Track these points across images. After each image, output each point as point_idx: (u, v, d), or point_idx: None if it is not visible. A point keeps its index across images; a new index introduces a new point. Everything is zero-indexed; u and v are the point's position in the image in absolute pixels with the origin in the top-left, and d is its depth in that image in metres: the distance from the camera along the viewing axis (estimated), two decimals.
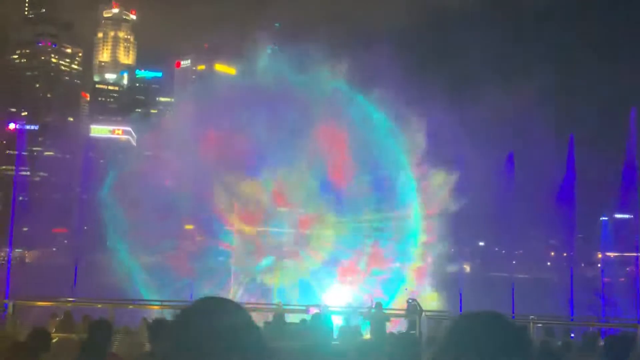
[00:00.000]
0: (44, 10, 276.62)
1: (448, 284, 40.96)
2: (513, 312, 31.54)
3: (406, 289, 39.19)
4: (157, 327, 7.84)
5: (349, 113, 43.80)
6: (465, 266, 58.32)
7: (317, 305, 22.66)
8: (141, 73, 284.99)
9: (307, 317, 21.74)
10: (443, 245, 42.73)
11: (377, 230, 42.90)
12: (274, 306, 28.31)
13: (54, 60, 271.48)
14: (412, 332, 22.12)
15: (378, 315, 24.78)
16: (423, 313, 24.72)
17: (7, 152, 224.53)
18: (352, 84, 44.47)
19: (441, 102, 41.68)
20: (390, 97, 42.56)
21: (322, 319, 11.06)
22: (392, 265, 42.47)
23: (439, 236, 42.20)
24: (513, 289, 36.71)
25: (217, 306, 2.65)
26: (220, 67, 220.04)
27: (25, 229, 60.48)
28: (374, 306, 25.98)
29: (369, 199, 42.76)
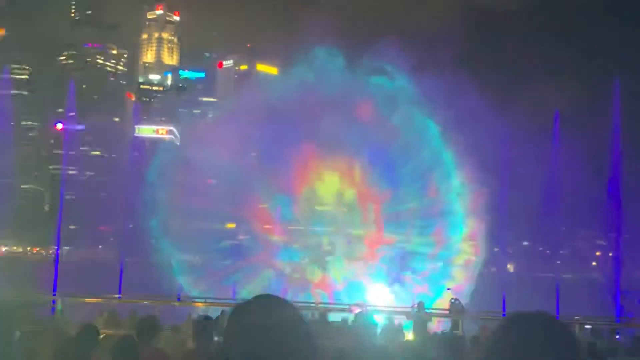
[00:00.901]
0: (90, 12, 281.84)
1: (491, 284, 40.48)
2: (557, 313, 31.07)
3: (448, 289, 38.88)
4: (203, 324, 7.95)
5: (396, 114, 43.58)
6: (508, 266, 57.61)
7: (359, 305, 22.62)
8: (185, 73, 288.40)
9: (350, 316, 21.78)
10: (487, 245, 42.28)
11: (421, 229, 42.66)
12: (312, 305, 28.40)
13: (100, 61, 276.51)
14: (455, 332, 21.94)
15: (420, 315, 24.65)
16: (466, 313, 24.51)
17: (55, 151, 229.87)
18: (401, 86, 44.19)
19: (488, 105, 41.15)
20: (436, 97, 42.23)
21: (364, 318, 11.06)
22: (436, 265, 42.18)
23: (482, 236, 41.77)
24: (558, 289, 36.13)
25: (269, 303, 2.69)
26: (262, 67, 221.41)
27: (72, 226, 61.70)
28: (416, 306, 25.85)
29: (414, 199, 42.52)
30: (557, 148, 38.55)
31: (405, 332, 23.24)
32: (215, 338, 7.62)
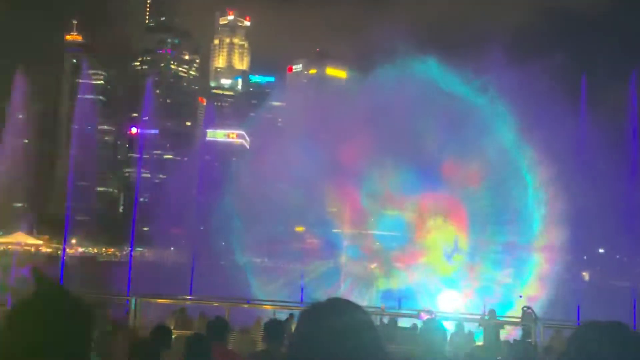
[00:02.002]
0: (163, 18, 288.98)
1: (566, 292, 39.39)
2: (634, 323, 29.97)
3: (520, 296, 38.09)
4: (273, 326, 7.98)
5: (471, 120, 42.97)
6: (583, 274, 55.93)
7: (428, 311, 22.36)
8: (255, 78, 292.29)
9: (418, 322, 21.51)
10: (561, 253, 41.18)
11: (494, 235, 41.92)
12: (378, 309, 28.23)
13: (173, 66, 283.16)
14: (528, 340, 21.40)
15: (491, 323, 24.18)
16: (539, 321, 23.88)
17: (130, 155, 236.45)
18: (477, 91, 43.57)
19: (567, 108, 40.10)
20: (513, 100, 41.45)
21: (434, 325, 10.90)
22: (509, 272, 41.37)
23: (557, 243, 40.70)
24: (635, 299, 34.87)
25: (341, 306, 2.68)
26: (331, 71, 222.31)
27: (145, 228, 63.17)
28: (487, 313, 25.37)
29: (488, 204, 41.80)
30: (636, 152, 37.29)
31: (476, 339, 22.84)
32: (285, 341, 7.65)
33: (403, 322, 24.41)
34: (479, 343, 22.43)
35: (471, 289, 40.64)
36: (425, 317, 20.29)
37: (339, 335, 2.56)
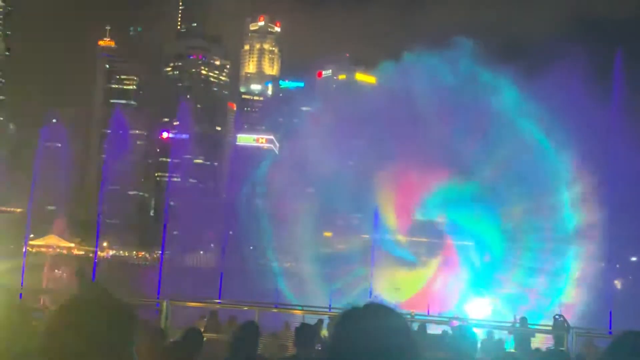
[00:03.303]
0: (195, 24, 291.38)
1: (598, 301, 38.80)
2: None
3: (559, 305, 37.64)
4: (304, 331, 7.99)
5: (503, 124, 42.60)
6: (616, 282, 55.09)
7: (459, 318, 22.19)
8: (285, 83, 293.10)
9: (448, 328, 21.34)
10: (594, 261, 40.60)
11: (529, 243, 41.45)
12: (408, 316, 28.05)
13: (203, 72, 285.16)
14: (560, 349, 21.12)
15: (522, 331, 23.90)
16: (571, 329, 23.55)
17: (161, 159, 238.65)
18: (511, 98, 43.17)
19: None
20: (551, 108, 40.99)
21: (465, 332, 10.81)
22: (542, 280, 40.90)
23: (590, 251, 40.14)
24: None
25: (378, 311, 2.67)
26: (360, 77, 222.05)
27: (175, 232, 63.65)
28: (518, 321, 25.09)
29: (524, 211, 41.35)
30: None
31: (506, 348, 22.59)
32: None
33: (428, 329, 24.24)
34: (510, 351, 22.19)
35: (502, 296, 40.26)
36: (456, 324, 20.14)
37: (376, 339, 2.56)
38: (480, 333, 21.77)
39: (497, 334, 23.40)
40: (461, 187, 42.09)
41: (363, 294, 40.13)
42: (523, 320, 25.06)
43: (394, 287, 42.92)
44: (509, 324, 25.69)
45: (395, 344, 2.59)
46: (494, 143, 41.83)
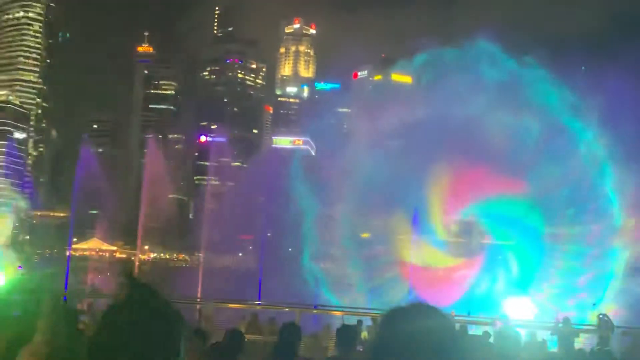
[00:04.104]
0: (231, 29, 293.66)
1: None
2: None
3: (594, 305, 37.00)
4: (345, 332, 7.99)
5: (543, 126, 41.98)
6: None
7: (502, 318, 21.91)
8: (320, 85, 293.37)
9: (490, 328, 21.11)
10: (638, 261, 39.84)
11: (573, 239, 40.77)
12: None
13: (240, 75, 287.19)
14: (606, 349, 20.73)
15: (566, 331, 23.52)
16: (616, 329, 23.12)
17: (199, 162, 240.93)
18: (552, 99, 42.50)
19: None
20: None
21: (510, 332, 10.67)
22: (586, 278, 40.20)
23: (636, 253, 39.39)
24: None
25: (423, 311, 2.65)
26: (396, 77, 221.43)
27: (214, 234, 64.16)
28: (561, 321, 24.69)
29: (565, 207, 40.70)
30: None
31: (550, 348, 22.27)
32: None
33: (469, 329, 23.99)
34: (554, 352, 21.88)
35: (544, 295, 39.69)
36: (499, 324, 19.93)
37: (422, 339, 2.54)
38: (523, 334, 21.51)
39: (540, 335, 23.09)
40: (508, 195, 41.54)
41: (403, 295, 39.90)
42: (566, 320, 24.66)
43: (433, 288, 42.62)
44: (552, 324, 25.29)
45: (441, 345, 2.57)
46: (544, 146, 41.26)
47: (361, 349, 11.23)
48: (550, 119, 42.01)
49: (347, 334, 7.97)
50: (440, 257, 44.76)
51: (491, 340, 18.50)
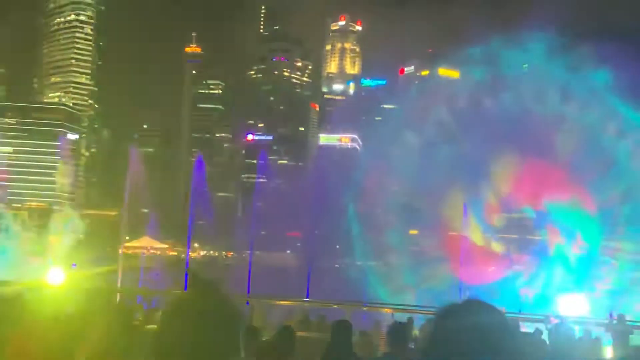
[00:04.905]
0: (277, 27, 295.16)
1: None
2: None
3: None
4: (396, 329, 7.96)
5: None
6: None
7: (556, 315, 21.56)
8: (366, 82, 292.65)
9: (542, 326, 20.79)
10: None
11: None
12: None
13: (286, 74, 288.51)
14: None
15: (621, 328, 22.99)
16: None
17: (247, 161, 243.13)
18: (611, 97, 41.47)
19: None
20: None
21: (565, 330, 10.49)
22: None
23: None
24: None
25: (479, 308, 2.62)
26: (443, 72, 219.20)
27: (263, 232, 64.54)
28: (615, 318, 24.16)
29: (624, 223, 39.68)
30: None
31: (604, 345, 21.82)
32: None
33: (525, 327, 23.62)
34: (608, 350, 21.43)
35: (599, 291, 38.85)
36: (554, 321, 19.61)
37: (478, 337, 2.51)
38: (577, 331, 21.11)
39: (595, 332, 22.63)
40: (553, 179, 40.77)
41: (453, 291, 39.51)
42: (621, 317, 24.12)
43: (484, 284, 42.14)
44: (606, 322, 24.76)
45: (498, 342, 2.54)
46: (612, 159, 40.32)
47: (413, 347, 11.17)
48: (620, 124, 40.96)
49: (399, 331, 7.94)
50: (491, 253, 44.22)
51: (543, 337, 18.22)
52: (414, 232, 50.60)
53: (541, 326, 20.47)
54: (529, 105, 42.16)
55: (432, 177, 44.99)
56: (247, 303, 28.68)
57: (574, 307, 35.34)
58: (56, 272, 34.13)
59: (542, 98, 42.34)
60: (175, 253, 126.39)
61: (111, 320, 8.22)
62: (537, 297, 39.50)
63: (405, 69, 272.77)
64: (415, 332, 19.50)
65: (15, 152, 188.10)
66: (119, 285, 36.25)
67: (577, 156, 40.58)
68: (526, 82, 43.24)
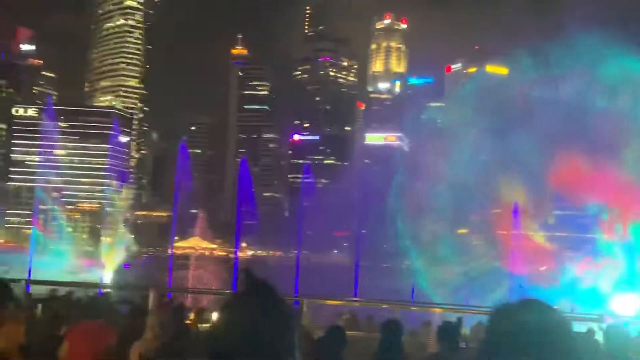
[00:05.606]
0: (322, 27, 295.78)
1: None
2: None
3: None
4: (446, 329, 7.90)
5: None
6: None
7: (610, 315, 21.08)
8: (412, 80, 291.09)
9: (594, 325, 20.35)
10: None
11: None
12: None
13: (331, 73, 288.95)
14: None
15: None
16: None
17: (293, 161, 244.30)
18: None
19: None
20: None
21: (620, 330, 10.25)
22: None
23: None
24: None
25: (536, 307, 2.58)
26: (491, 68, 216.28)
27: (309, 232, 64.66)
28: None
29: None
30: None
31: None
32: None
33: (578, 326, 23.16)
34: None
35: None
36: (609, 320, 19.17)
37: (536, 336, 2.48)
38: (632, 330, 20.59)
39: None
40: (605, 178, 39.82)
41: (506, 291, 38.98)
42: None
43: (535, 283, 41.47)
44: None
45: (556, 342, 2.50)
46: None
47: (463, 346, 11.06)
48: None
49: (449, 330, 7.88)
50: (544, 251, 43.51)
51: (596, 337, 17.83)
52: (463, 231, 50.09)
53: (594, 326, 20.06)
54: (581, 102, 41.31)
55: (480, 176, 44.48)
56: (296, 302, 28.78)
57: (629, 306, 34.50)
58: (109, 271, 34.87)
59: (593, 95, 41.46)
60: (224, 253, 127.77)
61: (164, 319, 8.38)
62: (591, 296, 38.69)
63: (452, 66, 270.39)
64: (465, 331, 19.29)
65: (67, 155, 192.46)
66: (169, 284, 36.77)
67: (632, 153, 39.61)
68: (578, 79, 42.37)
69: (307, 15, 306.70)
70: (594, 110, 40.88)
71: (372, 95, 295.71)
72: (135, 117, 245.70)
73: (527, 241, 43.75)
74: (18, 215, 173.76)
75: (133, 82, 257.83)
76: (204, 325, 15.51)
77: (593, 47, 41.63)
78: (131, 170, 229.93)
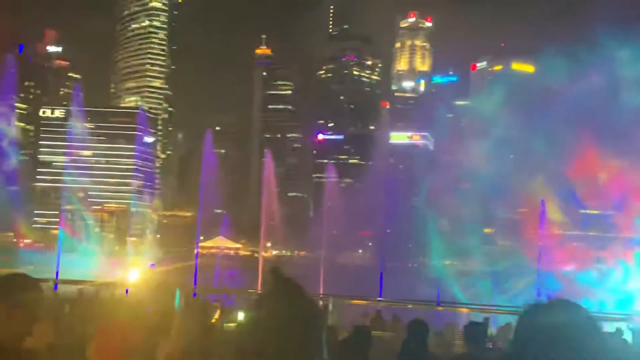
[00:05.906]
0: (346, 26, 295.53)
1: None
2: None
3: None
4: (474, 329, 7.85)
5: None
6: None
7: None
8: (437, 79, 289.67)
9: (623, 325, 20.10)
10: None
11: None
12: None
13: (355, 72, 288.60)
14: None
15: None
16: None
17: (317, 161, 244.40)
18: None
19: None
20: None
21: None
22: None
23: None
24: None
25: (565, 307, 2.56)
26: (517, 66, 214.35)
27: (334, 232, 64.66)
28: None
29: None
30: None
31: None
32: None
33: (606, 326, 22.86)
34: None
35: None
36: (638, 320, 18.92)
37: (565, 336, 2.45)
38: None
39: None
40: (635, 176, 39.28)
41: (533, 291, 38.66)
42: None
43: (563, 282, 41.12)
44: None
45: (586, 342, 2.47)
46: None
47: (490, 346, 10.99)
48: None
49: (476, 331, 7.83)
50: (571, 251, 43.06)
51: (624, 336, 17.61)
52: (489, 230, 49.76)
53: (623, 325, 19.79)
54: (607, 100, 40.81)
55: (506, 174, 44.13)
56: (321, 302, 28.81)
57: None
58: (135, 271, 35.13)
59: (620, 93, 40.94)
60: (248, 253, 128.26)
61: (190, 318, 8.41)
62: (619, 295, 38.25)
63: (477, 64, 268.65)
64: (492, 331, 19.17)
65: (94, 155, 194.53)
66: (195, 284, 37.02)
67: None
68: (604, 76, 41.86)
69: (331, 15, 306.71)
70: (622, 107, 40.37)
71: (396, 94, 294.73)
72: (160, 117, 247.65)
73: (554, 240, 43.36)
74: (45, 215, 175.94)
75: (158, 83, 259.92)
76: (229, 324, 15.58)
77: (619, 44, 41.13)
78: (157, 170, 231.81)
